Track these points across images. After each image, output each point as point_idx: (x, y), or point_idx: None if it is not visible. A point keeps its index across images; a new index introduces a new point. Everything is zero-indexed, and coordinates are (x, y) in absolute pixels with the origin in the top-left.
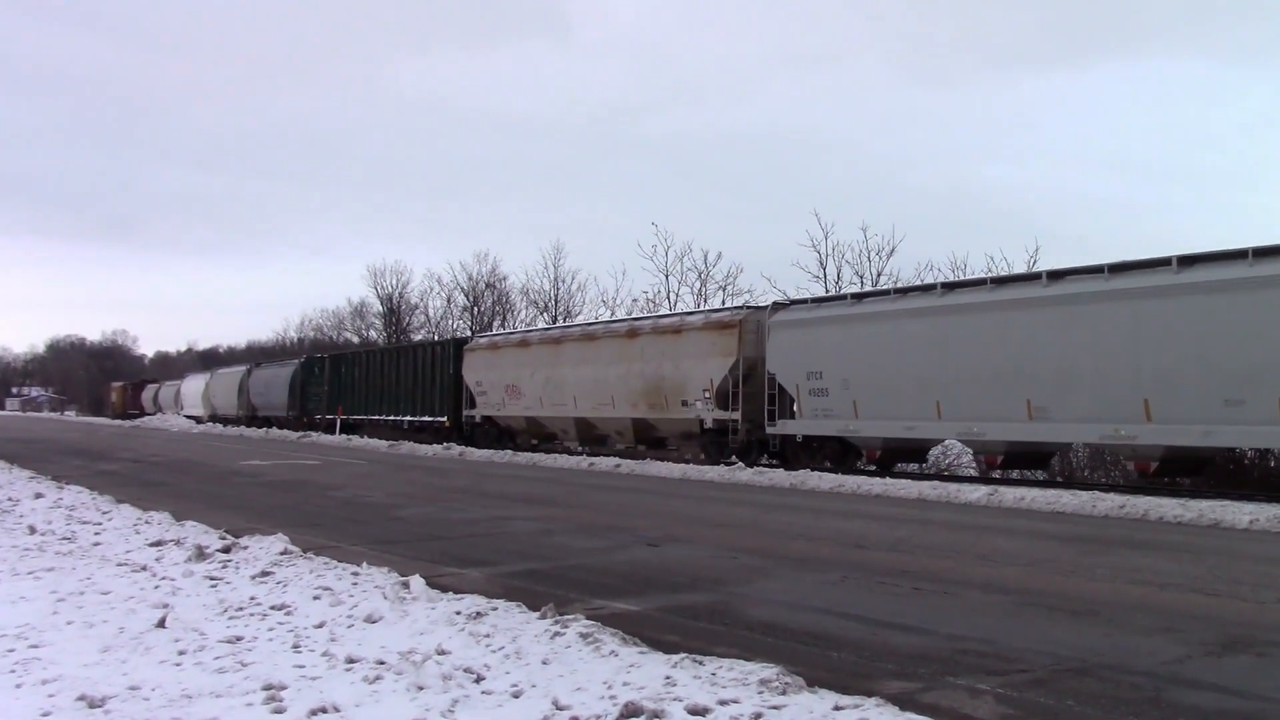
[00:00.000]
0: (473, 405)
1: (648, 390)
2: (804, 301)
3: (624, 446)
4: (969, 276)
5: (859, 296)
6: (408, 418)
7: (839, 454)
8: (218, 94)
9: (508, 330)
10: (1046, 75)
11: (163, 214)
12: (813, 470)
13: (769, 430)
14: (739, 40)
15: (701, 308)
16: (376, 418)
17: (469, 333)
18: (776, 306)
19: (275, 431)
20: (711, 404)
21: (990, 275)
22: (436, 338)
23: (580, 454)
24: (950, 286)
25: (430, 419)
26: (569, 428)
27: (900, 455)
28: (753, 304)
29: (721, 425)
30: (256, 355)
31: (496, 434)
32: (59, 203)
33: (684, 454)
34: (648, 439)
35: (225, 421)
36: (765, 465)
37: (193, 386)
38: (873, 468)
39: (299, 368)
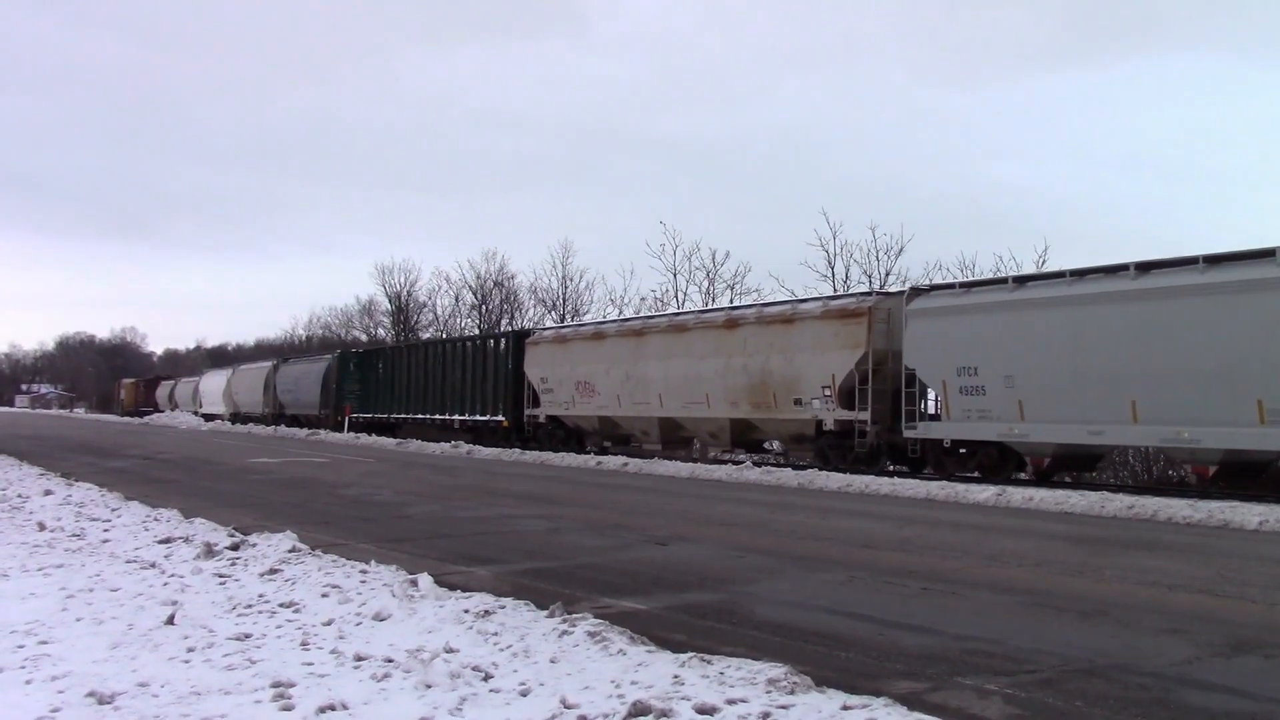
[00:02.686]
0: (536, 404)
1: (751, 388)
2: (949, 286)
3: (719, 451)
4: (1171, 256)
5: (1023, 279)
6: (458, 417)
7: (996, 461)
8: (229, 91)
9: (578, 321)
10: (1061, 73)
11: (172, 211)
12: (958, 479)
13: (907, 433)
14: (754, 38)
15: (818, 294)
16: (421, 417)
17: (476, 330)
18: (915, 292)
19: (284, 429)
20: (833, 403)
21: (1203, 254)
22: (499, 329)
23: (672, 459)
24: (1146, 267)
25: (486, 418)
26: (651, 429)
27: (1071, 464)
28: (882, 289)
29: (845, 427)
30: (265, 353)
31: (564, 435)
32: (69, 200)
33: (793, 459)
34: (747, 441)
35: (250, 420)
36: (897, 473)
37: (213, 383)
38: (1025, 477)
39: (333, 363)
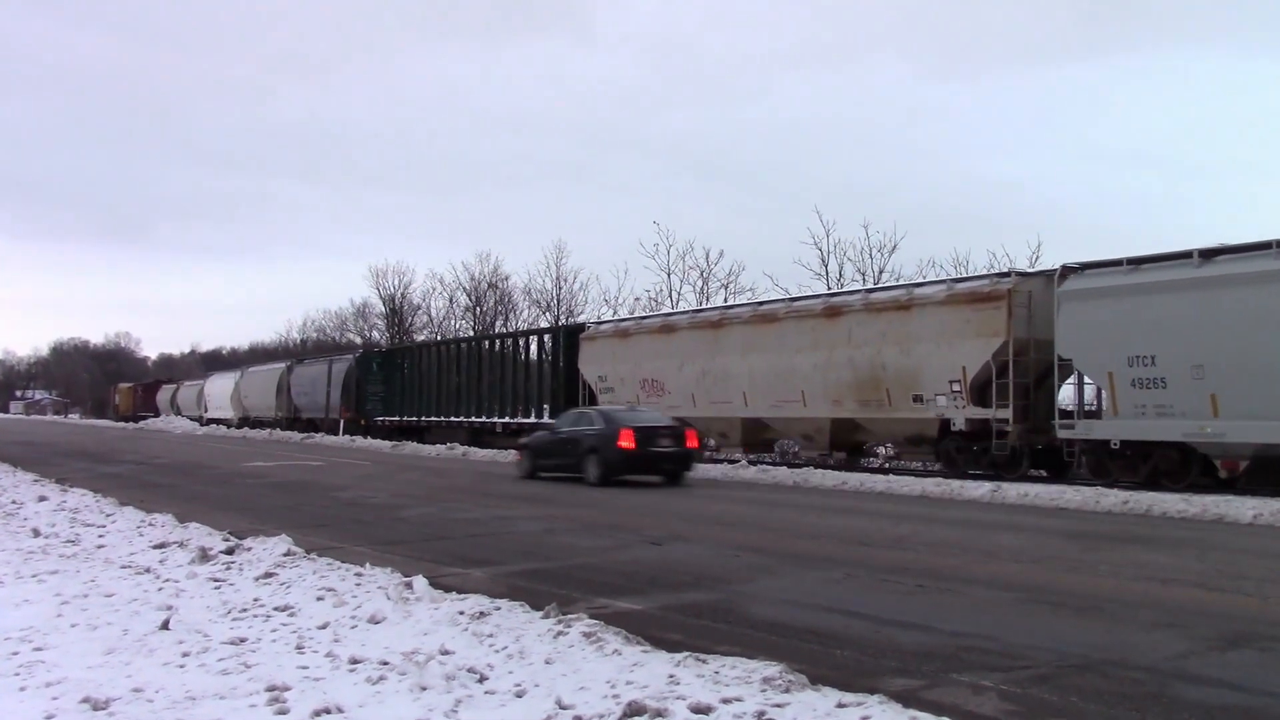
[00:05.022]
0: (594, 404)
1: (859, 383)
2: (1114, 263)
3: (815, 454)
4: None
5: (1210, 253)
6: (499, 420)
7: (1176, 465)
8: (223, 92)
9: (641, 314)
10: (1059, 68)
11: (166, 215)
12: (1112, 486)
13: (1063, 433)
14: (755, 35)
15: (938, 277)
16: (456, 419)
17: (471, 332)
18: (1068, 271)
19: (279, 433)
20: (963, 399)
21: None
22: (547, 324)
23: (762, 464)
24: None
25: (535, 421)
26: (732, 431)
27: (1275, 467)
28: (1021, 269)
29: (977, 427)
30: (260, 357)
31: None
32: (62, 203)
33: (906, 462)
34: (849, 444)
35: (260, 425)
36: (1042, 479)
37: (219, 386)
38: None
39: (353, 363)
